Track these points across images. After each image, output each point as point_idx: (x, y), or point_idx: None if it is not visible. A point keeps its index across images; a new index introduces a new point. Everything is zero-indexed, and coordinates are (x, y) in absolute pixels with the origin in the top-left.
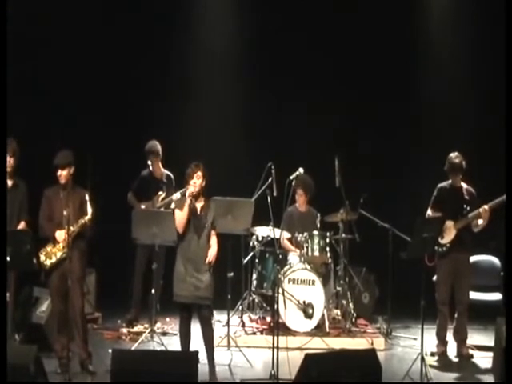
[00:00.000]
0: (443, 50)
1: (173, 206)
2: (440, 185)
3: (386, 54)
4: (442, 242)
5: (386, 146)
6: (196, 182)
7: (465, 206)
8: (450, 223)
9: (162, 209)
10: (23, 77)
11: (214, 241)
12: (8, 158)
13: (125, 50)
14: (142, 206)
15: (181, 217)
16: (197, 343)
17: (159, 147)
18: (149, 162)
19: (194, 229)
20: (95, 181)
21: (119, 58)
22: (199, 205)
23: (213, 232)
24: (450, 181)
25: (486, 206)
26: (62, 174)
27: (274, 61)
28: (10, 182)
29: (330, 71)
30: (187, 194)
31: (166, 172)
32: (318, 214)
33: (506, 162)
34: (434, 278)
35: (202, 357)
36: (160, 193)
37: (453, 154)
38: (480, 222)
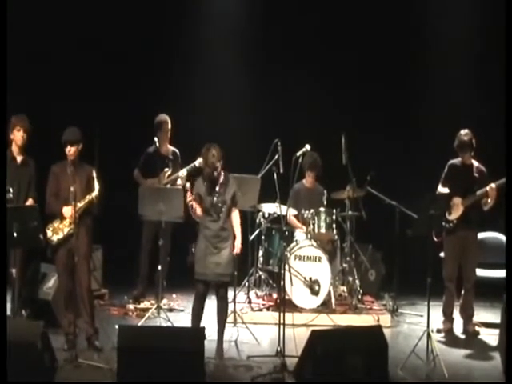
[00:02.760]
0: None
1: (179, 182)
2: (451, 162)
3: (391, 28)
4: (450, 218)
5: (393, 123)
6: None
7: (474, 183)
8: (458, 200)
9: (169, 185)
10: (29, 50)
11: (236, 221)
12: (22, 134)
13: (132, 25)
14: (148, 183)
15: (195, 211)
16: (206, 320)
17: (168, 120)
18: (155, 139)
19: (212, 208)
20: (101, 157)
21: (127, 34)
22: (218, 182)
23: (234, 209)
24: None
25: (492, 185)
26: (72, 150)
27: (279, 38)
28: (19, 158)
29: (336, 47)
30: (196, 211)
31: (172, 148)
32: (325, 191)
33: (506, 148)
34: (442, 255)
35: (209, 333)
36: (166, 169)
37: (462, 131)
38: (489, 200)
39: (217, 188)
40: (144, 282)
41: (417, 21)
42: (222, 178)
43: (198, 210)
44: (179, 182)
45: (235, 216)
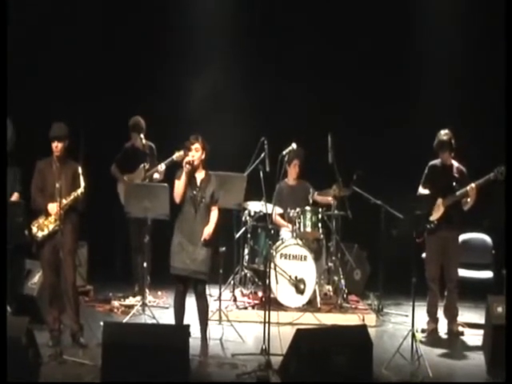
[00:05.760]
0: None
1: (156, 176)
2: (431, 162)
3: (380, 29)
4: (431, 218)
5: (380, 122)
6: (194, 154)
7: (454, 183)
8: (438, 200)
9: (147, 181)
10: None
11: (213, 217)
12: None
13: (118, 21)
14: (125, 178)
15: (178, 185)
16: (190, 317)
17: (143, 122)
18: (141, 135)
19: (191, 201)
20: (87, 154)
21: (112, 31)
22: (199, 177)
23: (213, 207)
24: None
25: (473, 184)
26: (59, 146)
27: (267, 37)
28: None
29: (324, 47)
30: (184, 162)
31: (149, 143)
32: (311, 190)
33: (506, 147)
34: (423, 256)
35: (194, 331)
36: (144, 164)
37: (442, 131)
38: (468, 200)
39: (198, 183)
40: (141, 279)
41: (406, 21)
42: (203, 174)
43: (182, 185)
44: (156, 175)
45: (213, 213)
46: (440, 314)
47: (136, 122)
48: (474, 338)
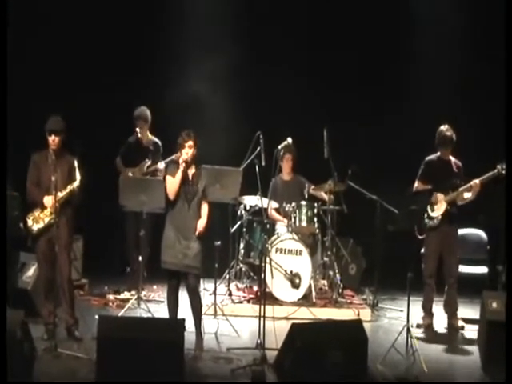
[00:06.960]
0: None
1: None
2: (428, 158)
3: (375, 27)
4: (433, 214)
5: (377, 117)
6: (188, 151)
7: (455, 179)
8: (440, 196)
9: (148, 176)
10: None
11: (204, 211)
12: None
13: (116, 16)
14: (130, 174)
15: (173, 183)
16: (185, 311)
17: (148, 113)
18: (137, 129)
19: (184, 196)
20: (83, 147)
21: (111, 26)
22: (190, 172)
23: (204, 201)
24: (438, 153)
25: (477, 181)
26: (56, 140)
27: (263, 30)
28: None
29: (319, 44)
30: (180, 161)
31: (154, 139)
32: (306, 184)
33: (506, 147)
34: (422, 251)
35: (190, 325)
36: (146, 160)
37: (443, 127)
38: (467, 195)
39: (190, 178)
40: (137, 273)
41: (405, 17)
42: (194, 169)
43: (177, 182)
44: (158, 173)
45: (205, 207)
46: (435, 309)
47: (140, 111)
48: (469, 333)
